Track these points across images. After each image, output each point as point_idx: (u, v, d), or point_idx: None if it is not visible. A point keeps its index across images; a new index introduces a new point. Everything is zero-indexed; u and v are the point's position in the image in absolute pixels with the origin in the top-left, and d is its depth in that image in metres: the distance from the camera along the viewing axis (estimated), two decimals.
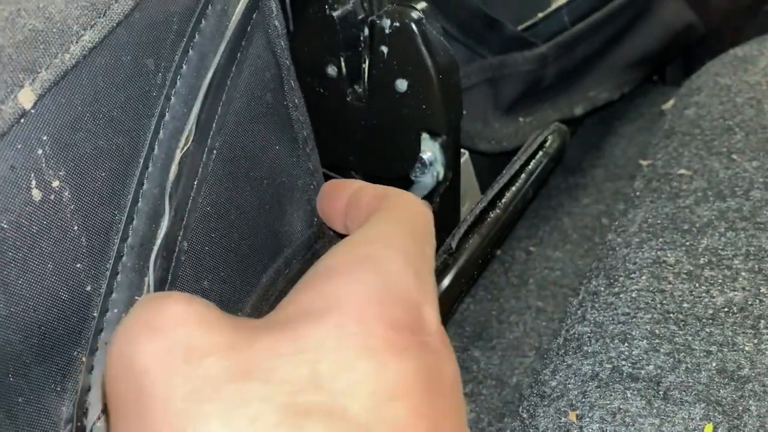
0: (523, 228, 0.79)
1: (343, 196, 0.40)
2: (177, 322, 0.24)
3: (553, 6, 0.76)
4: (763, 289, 0.45)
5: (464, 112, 0.60)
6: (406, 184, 0.56)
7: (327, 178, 0.59)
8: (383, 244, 0.29)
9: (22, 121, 0.30)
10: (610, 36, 0.82)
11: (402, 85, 0.48)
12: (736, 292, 0.45)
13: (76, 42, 0.32)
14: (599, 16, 0.78)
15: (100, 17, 0.33)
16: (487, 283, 0.72)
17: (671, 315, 0.44)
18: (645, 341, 0.43)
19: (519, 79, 0.67)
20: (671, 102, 0.87)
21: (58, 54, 0.31)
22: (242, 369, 0.23)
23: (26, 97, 0.30)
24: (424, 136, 0.52)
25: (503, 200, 0.51)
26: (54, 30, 0.31)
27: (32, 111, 0.30)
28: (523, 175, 0.54)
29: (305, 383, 0.22)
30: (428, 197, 0.55)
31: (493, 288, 0.71)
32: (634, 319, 0.45)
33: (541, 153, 0.56)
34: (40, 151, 0.31)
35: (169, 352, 0.23)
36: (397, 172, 0.54)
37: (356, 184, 0.40)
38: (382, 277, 0.27)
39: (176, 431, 0.21)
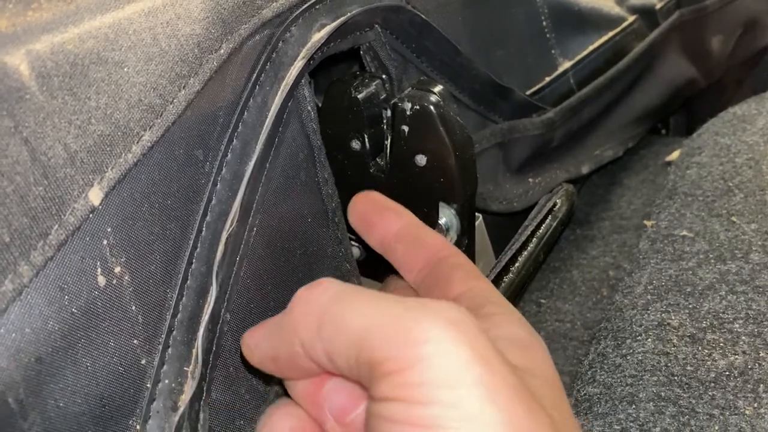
0: (534, 280, 0.82)
1: (393, 222, 0.45)
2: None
3: (560, 70, 0.80)
4: (762, 353, 0.48)
5: (476, 171, 0.64)
6: None
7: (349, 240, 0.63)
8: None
9: (91, 216, 0.34)
10: (615, 96, 0.86)
11: (421, 160, 0.52)
12: (736, 356, 0.48)
13: (137, 142, 0.36)
14: (604, 79, 0.82)
15: (157, 118, 0.37)
16: None
17: (676, 378, 0.47)
18: (651, 403, 0.46)
19: (528, 142, 0.71)
20: (675, 154, 0.91)
21: (122, 154, 0.35)
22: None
23: (95, 195, 0.34)
24: (441, 203, 0.56)
25: (516, 265, 0.55)
26: (119, 134, 0.35)
27: (99, 207, 0.34)
28: (534, 240, 0.57)
29: None
30: None
31: None
32: (640, 382, 0.48)
33: (550, 217, 0.60)
34: (105, 242, 0.35)
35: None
36: None
37: (408, 217, 0.45)
38: None
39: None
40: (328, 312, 0.32)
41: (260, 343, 0.37)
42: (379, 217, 0.46)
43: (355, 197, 0.49)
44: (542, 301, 0.79)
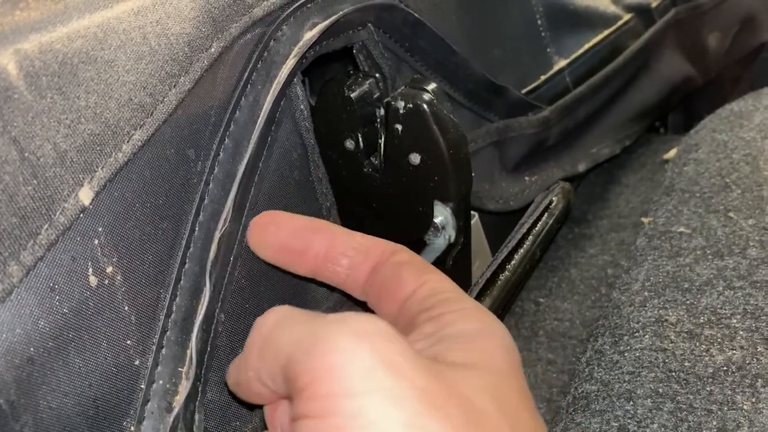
0: (533, 279, 0.82)
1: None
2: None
3: (555, 68, 0.80)
4: (760, 348, 0.48)
5: (472, 174, 0.64)
6: (420, 246, 0.59)
7: None
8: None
9: (81, 216, 0.34)
10: (611, 94, 0.86)
11: (415, 158, 0.52)
12: (734, 351, 0.48)
13: (128, 141, 0.36)
14: (600, 77, 0.82)
15: (148, 117, 0.37)
16: None
17: (673, 374, 0.47)
18: (649, 400, 0.46)
19: (524, 140, 0.70)
20: (673, 151, 0.91)
21: (113, 153, 0.35)
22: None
23: (85, 195, 0.34)
24: (437, 202, 0.55)
25: (512, 262, 0.55)
26: (109, 133, 0.35)
27: (90, 206, 0.34)
28: (530, 237, 0.57)
29: None
30: (441, 259, 0.59)
31: None
32: (638, 378, 0.47)
33: (546, 215, 0.59)
34: (96, 241, 0.35)
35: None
36: (411, 236, 0.58)
37: (329, 231, 0.41)
38: None
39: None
40: (269, 336, 0.32)
41: (230, 369, 0.37)
42: (301, 240, 0.41)
43: (253, 224, 0.43)
44: (541, 300, 0.79)
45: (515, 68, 0.75)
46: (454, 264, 0.58)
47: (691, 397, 0.45)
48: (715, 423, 0.43)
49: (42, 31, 0.33)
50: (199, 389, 0.40)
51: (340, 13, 0.48)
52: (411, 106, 0.50)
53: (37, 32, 0.33)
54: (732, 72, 1.21)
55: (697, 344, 0.49)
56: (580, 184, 0.94)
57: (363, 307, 0.42)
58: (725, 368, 0.47)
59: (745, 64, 1.22)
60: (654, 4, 1.03)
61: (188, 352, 0.39)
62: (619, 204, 0.94)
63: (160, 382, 0.38)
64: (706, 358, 0.48)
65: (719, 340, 0.49)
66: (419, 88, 0.51)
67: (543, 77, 0.78)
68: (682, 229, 0.62)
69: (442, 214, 0.57)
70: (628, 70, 0.89)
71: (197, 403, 0.40)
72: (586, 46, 0.86)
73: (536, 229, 0.57)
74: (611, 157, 0.90)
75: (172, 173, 0.39)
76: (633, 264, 0.60)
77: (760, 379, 0.46)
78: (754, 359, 0.47)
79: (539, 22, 0.78)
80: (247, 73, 0.43)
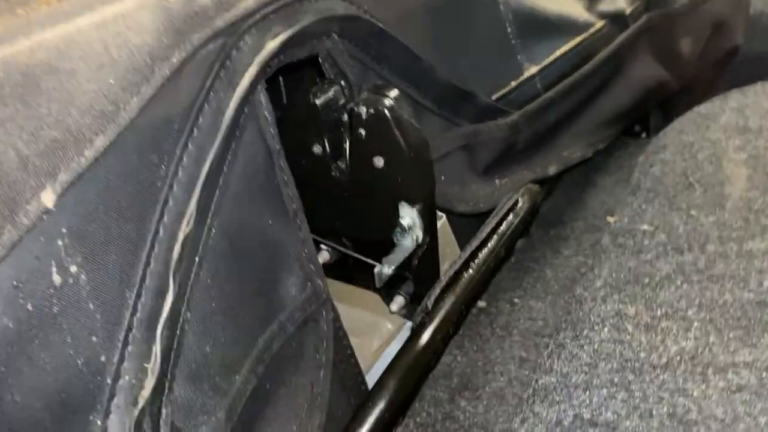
0: (508, 279, 0.84)
1: None
2: None
3: (526, 74, 0.82)
4: (712, 338, 0.50)
5: (442, 177, 0.66)
6: (389, 246, 0.61)
7: (316, 244, 0.64)
8: None
9: (44, 217, 0.35)
10: (583, 99, 0.88)
11: (379, 161, 0.54)
12: (688, 341, 0.50)
13: (90, 147, 0.37)
14: (570, 82, 0.84)
15: (109, 123, 0.39)
16: (473, 335, 0.76)
17: (629, 364, 0.49)
18: (605, 389, 0.47)
19: (493, 144, 0.72)
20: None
21: (74, 158, 0.37)
22: None
23: (48, 197, 0.35)
24: (403, 203, 0.57)
25: (476, 261, 0.56)
26: (71, 138, 0.37)
27: (53, 208, 0.36)
28: (495, 237, 0.59)
29: None
30: (409, 258, 0.60)
31: (479, 339, 0.75)
32: (595, 369, 0.49)
33: (511, 215, 0.61)
34: (60, 242, 0.36)
35: None
36: (378, 236, 0.59)
37: None
38: None
39: None
40: None
41: None
42: None
43: None
44: (516, 300, 0.80)
45: (485, 75, 0.77)
46: (423, 263, 0.60)
47: (645, 385, 0.47)
48: (665, 410, 0.45)
49: (5, 44, 0.35)
50: (166, 385, 0.42)
51: (303, 23, 0.50)
52: (373, 111, 0.52)
53: (0, 45, 0.35)
54: (708, 75, 1.23)
55: (654, 336, 0.51)
56: (557, 186, 0.96)
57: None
58: (678, 358, 0.49)
59: (721, 67, 1.24)
60: (628, 11, 1.05)
61: (154, 349, 0.41)
62: (594, 206, 0.96)
63: (126, 377, 0.39)
64: (661, 349, 0.50)
65: (674, 331, 0.51)
66: (381, 94, 0.53)
67: (513, 83, 0.79)
68: (645, 227, 0.64)
69: (409, 216, 0.59)
70: (600, 75, 0.91)
71: (164, 398, 0.41)
72: (558, 53, 0.88)
73: (501, 228, 0.59)
74: (587, 160, 0.92)
75: (136, 177, 0.40)
76: (597, 261, 0.61)
77: (710, 368, 0.47)
78: (707, 349, 0.49)
79: (509, 29, 0.80)
80: (209, 81, 0.45)
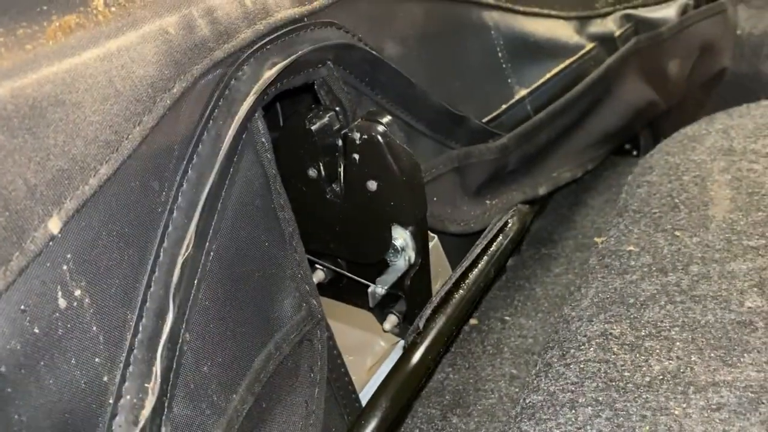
0: (499, 297, 0.85)
1: None
2: None
3: (516, 97, 0.84)
4: (694, 358, 0.51)
5: (434, 199, 0.68)
6: (382, 267, 0.62)
7: (311, 263, 0.66)
8: None
9: (51, 243, 0.37)
10: (572, 120, 0.90)
11: (372, 185, 0.55)
12: (671, 361, 0.51)
13: (94, 175, 0.39)
14: (559, 104, 0.86)
15: (113, 153, 0.40)
16: (465, 352, 0.78)
17: (613, 383, 0.50)
18: (590, 408, 0.49)
19: (484, 166, 0.74)
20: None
21: (80, 186, 0.38)
22: None
23: (54, 224, 0.37)
24: (395, 225, 0.59)
25: (467, 281, 0.58)
26: (76, 168, 0.38)
27: (59, 235, 0.37)
28: (485, 257, 0.61)
29: None
30: (401, 279, 0.62)
31: (471, 356, 0.77)
32: (581, 388, 0.51)
33: (501, 236, 0.63)
34: (65, 267, 0.38)
35: None
36: (371, 257, 0.61)
37: None
38: None
39: None
40: None
41: None
42: None
43: None
44: (507, 318, 0.82)
45: (477, 98, 0.79)
46: (415, 283, 0.62)
47: (628, 404, 0.48)
48: (647, 428, 0.46)
49: (14, 77, 0.36)
50: (166, 404, 0.43)
51: (299, 53, 0.52)
52: (366, 137, 0.54)
53: (9, 78, 0.36)
54: (696, 97, 1.26)
55: (638, 355, 0.53)
56: (547, 205, 0.98)
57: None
58: (661, 377, 0.50)
59: (709, 88, 1.27)
60: (617, 33, 1.08)
61: (154, 369, 0.42)
62: (584, 225, 0.98)
63: (128, 397, 0.41)
64: (645, 368, 0.51)
65: (658, 350, 0.53)
66: (374, 120, 0.54)
67: (504, 106, 0.82)
68: (631, 247, 0.66)
69: (402, 237, 0.60)
70: (589, 96, 0.93)
71: (164, 417, 0.43)
72: (548, 76, 0.91)
73: (491, 249, 0.61)
74: (577, 180, 0.94)
75: (138, 203, 0.42)
76: (584, 282, 0.63)
77: (692, 387, 0.49)
78: (688, 368, 0.50)
79: (500, 54, 0.83)
80: (209, 110, 0.46)
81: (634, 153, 1.36)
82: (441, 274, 0.67)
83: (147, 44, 0.43)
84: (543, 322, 0.80)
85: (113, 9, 0.42)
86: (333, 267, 0.64)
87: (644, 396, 0.49)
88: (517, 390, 0.72)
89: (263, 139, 0.51)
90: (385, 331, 0.64)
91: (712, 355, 0.51)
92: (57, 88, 0.38)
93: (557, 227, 0.98)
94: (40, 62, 0.38)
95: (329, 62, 0.57)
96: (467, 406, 0.70)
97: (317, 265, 0.67)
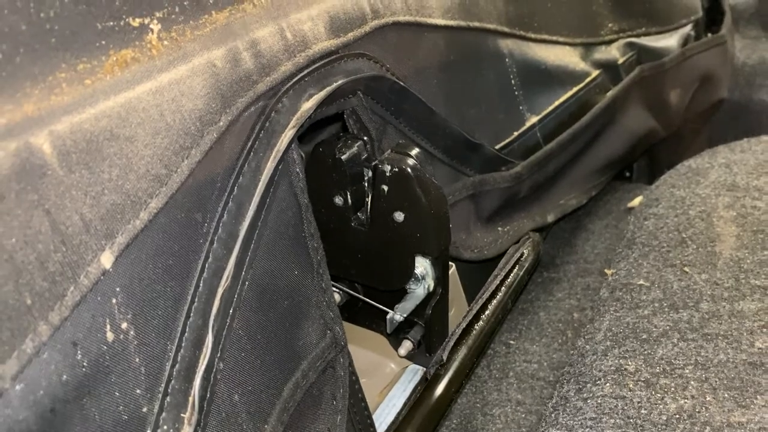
0: (504, 322, 0.87)
1: None
2: None
3: (527, 124, 0.86)
4: (708, 397, 0.53)
5: (450, 225, 0.69)
6: (401, 294, 0.63)
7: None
8: None
9: (102, 277, 0.37)
10: (579, 148, 0.92)
11: (399, 216, 0.56)
12: (686, 400, 0.53)
13: (145, 209, 0.40)
14: (569, 134, 0.87)
15: (162, 186, 0.41)
16: (471, 377, 0.79)
17: (631, 420, 0.52)
18: None
19: (498, 194, 0.75)
20: (637, 200, 0.97)
21: (131, 221, 0.39)
22: None
23: (107, 259, 0.37)
24: (418, 255, 0.60)
25: (486, 312, 0.59)
26: (129, 202, 0.39)
27: (110, 269, 0.38)
28: (503, 288, 0.62)
29: None
30: (420, 307, 0.63)
31: (477, 381, 0.78)
32: (599, 424, 0.52)
33: (517, 267, 0.64)
34: (114, 300, 0.38)
35: None
36: (393, 284, 0.62)
37: None
38: None
39: None
40: None
41: None
42: None
43: None
44: (511, 342, 0.83)
45: (491, 125, 0.80)
46: (434, 312, 0.62)
47: None
48: None
49: (73, 112, 0.37)
50: None
51: (335, 84, 0.53)
52: (397, 169, 0.55)
53: (69, 114, 0.37)
54: (693, 125, 1.28)
55: (653, 393, 0.54)
56: (550, 230, 0.99)
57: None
58: (677, 416, 0.52)
59: (705, 117, 1.30)
60: (620, 60, 1.10)
61: (190, 399, 0.42)
62: (585, 250, 1.00)
63: (165, 427, 0.41)
64: (661, 406, 0.53)
65: (673, 389, 0.54)
66: (404, 153, 0.55)
67: (516, 133, 0.83)
68: (641, 281, 0.67)
69: (422, 266, 0.61)
70: (596, 125, 0.95)
71: None
72: (556, 103, 0.92)
73: (508, 280, 0.62)
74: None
75: (182, 235, 0.43)
76: (596, 314, 0.64)
77: (708, 426, 0.50)
78: (703, 408, 0.52)
79: (513, 81, 0.84)
80: (250, 142, 0.47)
81: (627, 174, 1.39)
82: (455, 301, 0.69)
83: (196, 77, 0.43)
84: (547, 347, 0.82)
85: (165, 43, 0.42)
86: (351, 292, 0.65)
87: None
88: (523, 415, 0.73)
89: (298, 169, 0.52)
90: (400, 357, 0.65)
91: (726, 395, 0.53)
92: (112, 122, 0.38)
93: (559, 251, 1.00)
94: (98, 97, 0.38)
95: (359, 92, 0.58)
96: (475, 430, 0.71)
97: (334, 288, 0.67)
